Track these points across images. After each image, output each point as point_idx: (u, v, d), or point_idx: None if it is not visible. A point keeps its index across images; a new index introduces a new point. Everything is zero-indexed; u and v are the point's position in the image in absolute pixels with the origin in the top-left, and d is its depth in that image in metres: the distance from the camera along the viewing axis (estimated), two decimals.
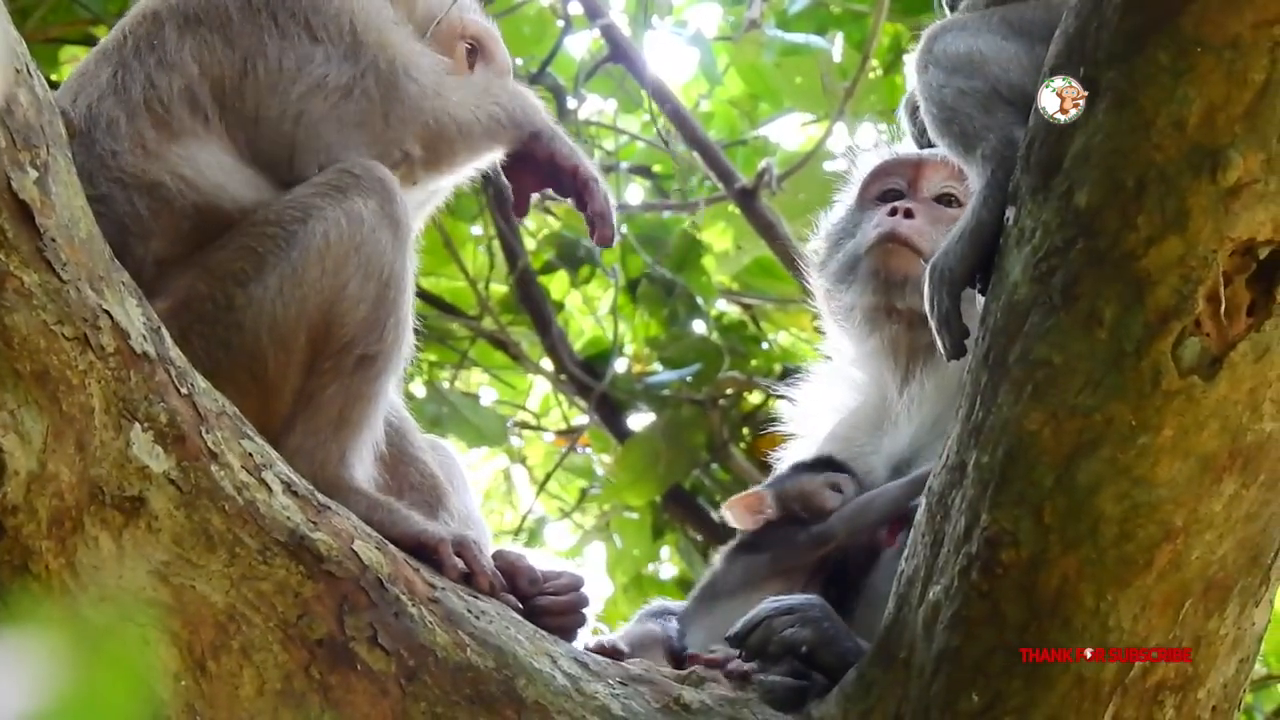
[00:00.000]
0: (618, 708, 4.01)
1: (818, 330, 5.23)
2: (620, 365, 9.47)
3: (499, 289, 9.56)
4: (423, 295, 4.46)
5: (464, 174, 4.60)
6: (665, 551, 9.79)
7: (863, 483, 4.71)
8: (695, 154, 8.75)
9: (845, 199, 5.12)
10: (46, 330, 3.61)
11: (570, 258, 9.17)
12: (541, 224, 9.43)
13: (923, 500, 4.06)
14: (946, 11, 4.47)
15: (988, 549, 3.85)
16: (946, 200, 4.90)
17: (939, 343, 4.13)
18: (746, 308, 9.73)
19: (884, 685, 4.01)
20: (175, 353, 3.84)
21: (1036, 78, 3.93)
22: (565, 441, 10.04)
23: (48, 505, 3.62)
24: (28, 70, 3.67)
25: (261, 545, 3.80)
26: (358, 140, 4.33)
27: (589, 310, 9.86)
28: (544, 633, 4.09)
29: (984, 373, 3.90)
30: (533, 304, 9.37)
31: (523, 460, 10.36)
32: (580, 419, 9.92)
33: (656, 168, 9.79)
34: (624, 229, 9.15)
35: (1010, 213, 3.94)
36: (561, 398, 10.00)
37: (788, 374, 5.42)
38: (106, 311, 3.70)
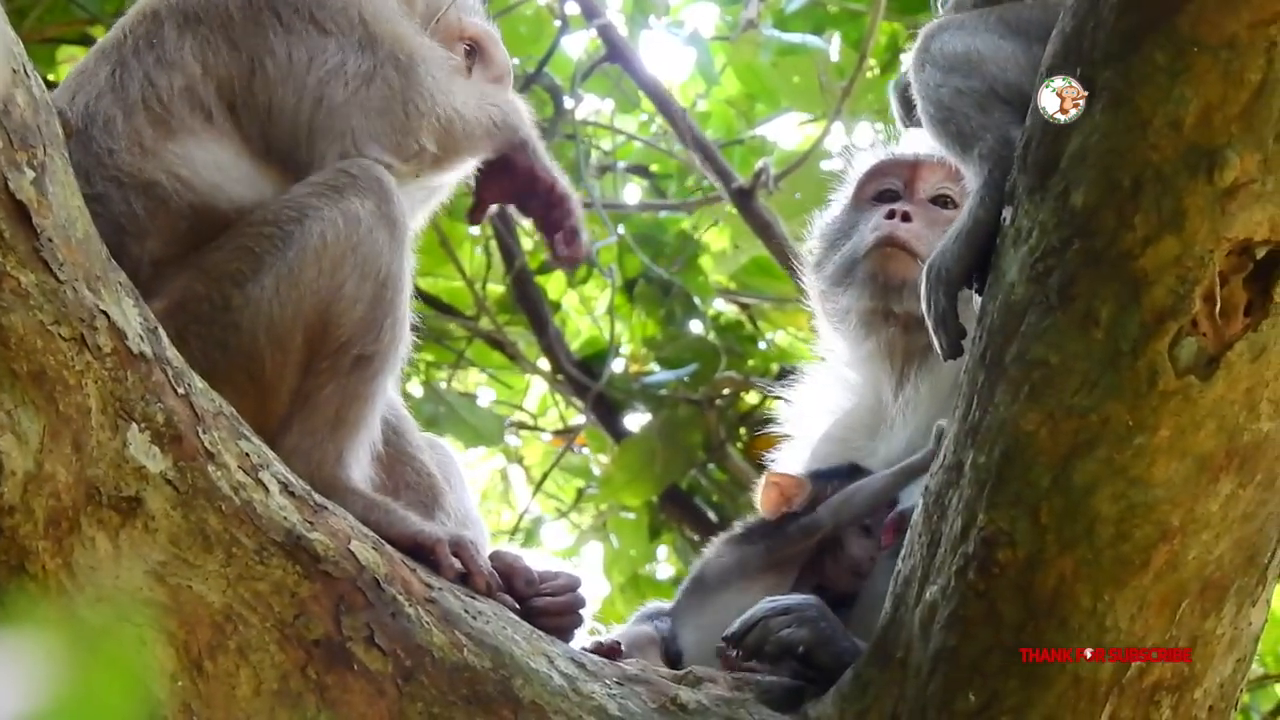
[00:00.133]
0: (614, 708, 4.01)
1: (814, 330, 5.22)
2: (617, 365, 9.47)
3: (496, 289, 9.57)
4: (420, 295, 4.45)
5: (459, 173, 4.59)
6: (662, 551, 9.80)
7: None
8: (692, 154, 8.75)
9: (840, 199, 5.12)
10: (43, 330, 3.61)
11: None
12: None
13: (920, 500, 4.06)
14: (939, 10, 4.47)
15: (984, 549, 3.85)
16: (943, 201, 4.90)
17: (936, 343, 4.13)
18: (744, 307, 9.73)
19: (881, 685, 4.01)
20: (172, 353, 3.84)
21: (1034, 77, 3.93)
22: (562, 441, 10.05)
23: (44, 505, 3.62)
24: (25, 70, 3.67)
25: (258, 545, 3.80)
26: (380, 127, 4.32)
27: (586, 310, 9.86)
28: (541, 633, 4.09)
29: (981, 373, 3.90)
30: (530, 304, 9.37)
31: (520, 460, 10.36)
32: (577, 419, 9.92)
33: (654, 167, 9.79)
34: (621, 229, 9.15)
35: (1007, 213, 3.94)
36: (558, 398, 10.00)
37: (785, 374, 5.41)
38: (103, 311, 3.70)
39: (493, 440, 9.66)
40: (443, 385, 9.54)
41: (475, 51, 4.81)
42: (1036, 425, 3.80)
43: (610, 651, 4.29)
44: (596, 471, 9.98)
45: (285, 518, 3.84)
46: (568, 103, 9.09)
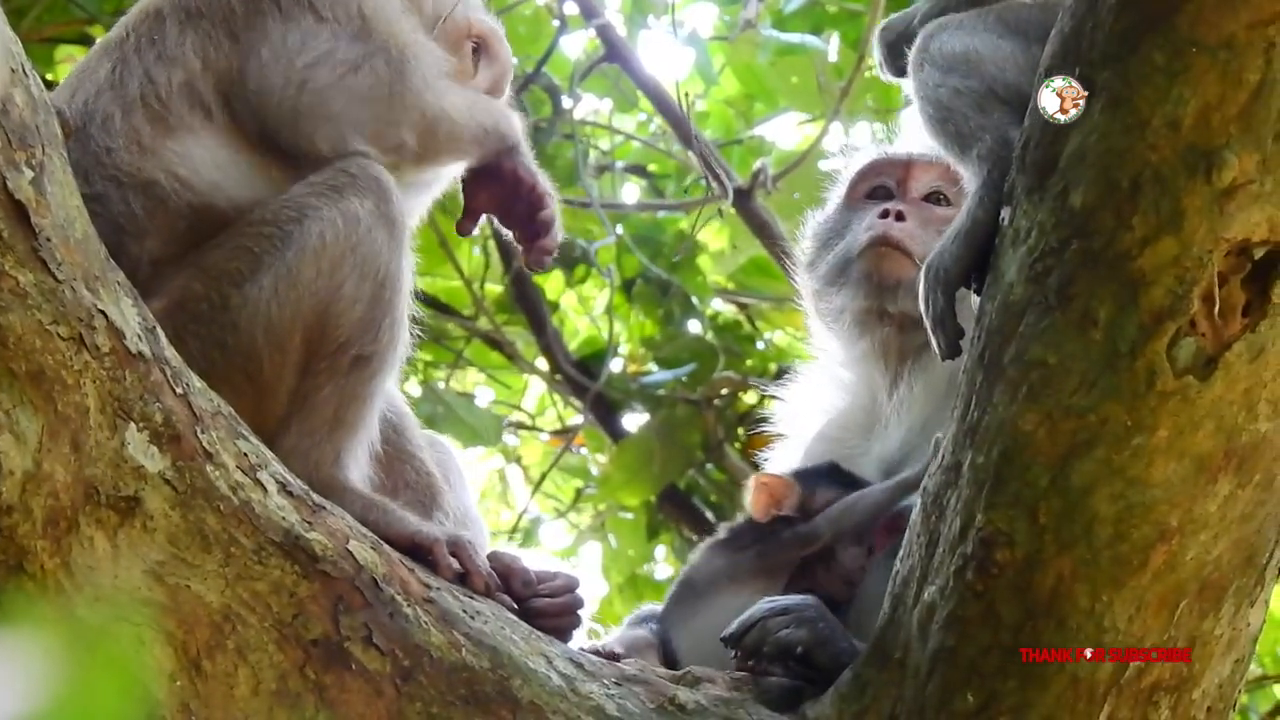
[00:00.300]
0: (613, 708, 4.01)
1: (809, 329, 5.22)
2: (615, 365, 9.47)
3: (494, 289, 9.57)
4: (418, 295, 4.45)
5: (443, 175, 4.59)
6: (660, 551, 9.79)
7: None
8: (693, 154, 8.75)
9: (834, 198, 5.12)
10: (42, 330, 3.61)
11: (566, 258, 9.17)
12: None
13: (918, 500, 4.06)
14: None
15: (983, 549, 3.85)
16: (936, 199, 4.90)
17: (934, 343, 4.13)
18: (742, 307, 9.73)
19: (879, 685, 4.01)
20: (170, 352, 3.84)
21: (1032, 77, 3.93)
22: (560, 441, 10.05)
23: (43, 505, 3.61)
24: (24, 70, 3.67)
25: (257, 545, 3.80)
26: (363, 115, 4.32)
27: (584, 310, 9.86)
28: (539, 633, 4.09)
29: (979, 373, 3.91)
30: (528, 304, 9.37)
31: (518, 460, 10.36)
32: (575, 419, 9.91)
33: (652, 167, 9.79)
34: (619, 229, 9.16)
35: (1005, 213, 3.94)
36: (557, 397, 10.00)
37: (783, 373, 5.41)
38: (102, 311, 3.69)
39: (491, 440, 9.66)
40: (441, 385, 9.54)
41: (481, 48, 4.81)
42: (1035, 425, 3.80)
43: (608, 655, 4.28)
44: (595, 471, 9.98)
45: (283, 518, 3.84)
46: (566, 102, 9.09)
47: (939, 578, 3.92)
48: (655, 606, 4.81)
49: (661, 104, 8.70)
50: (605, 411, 9.46)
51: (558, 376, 9.54)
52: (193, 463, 3.76)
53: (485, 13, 4.88)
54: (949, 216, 4.57)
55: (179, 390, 3.79)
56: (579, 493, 10.05)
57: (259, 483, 3.84)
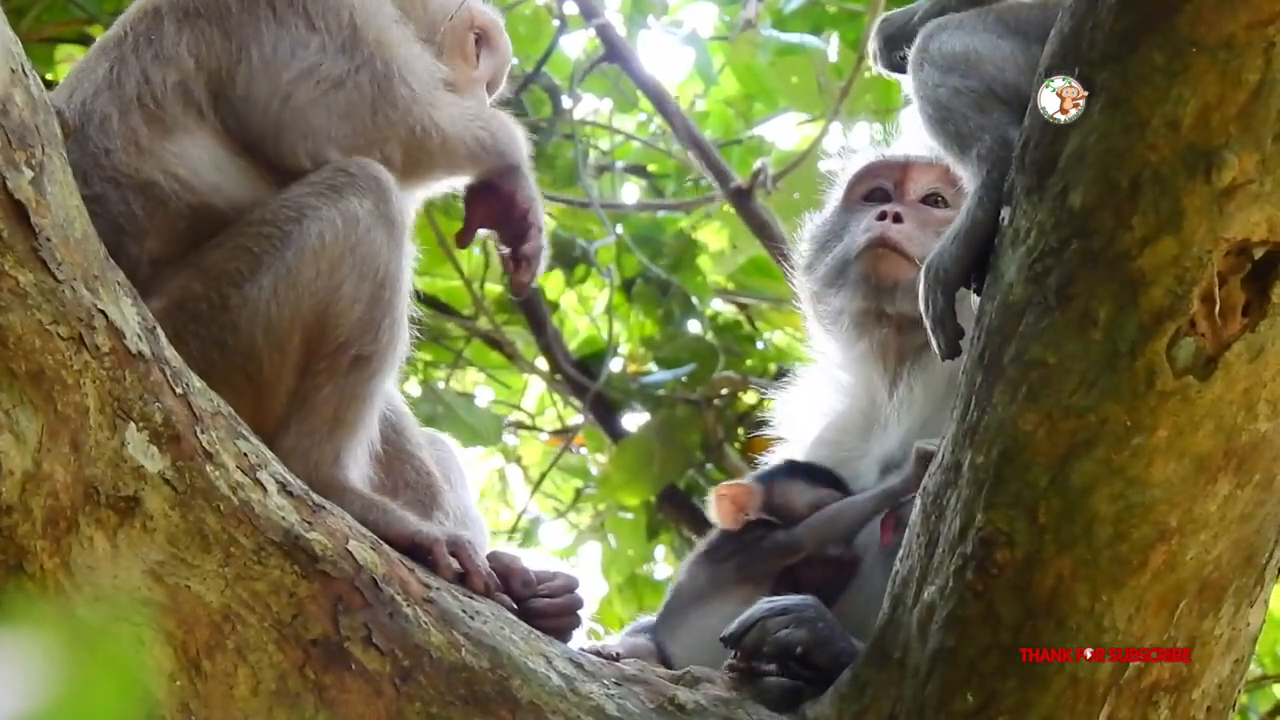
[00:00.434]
0: (612, 708, 4.01)
1: (807, 331, 5.22)
2: (615, 365, 9.47)
3: (494, 288, 9.56)
4: (418, 295, 4.44)
5: (437, 188, 4.59)
6: (660, 551, 9.79)
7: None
8: (690, 153, 8.75)
9: (831, 200, 5.12)
10: (42, 330, 3.61)
11: (566, 257, 9.17)
12: None
13: (918, 500, 4.06)
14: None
15: (983, 549, 3.85)
16: (933, 201, 4.90)
17: (934, 344, 4.14)
18: (742, 307, 9.73)
19: (879, 685, 4.01)
20: (170, 352, 3.84)
21: (1032, 77, 3.93)
22: (560, 441, 10.04)
23: (43, 505, 3.61)
24: (23, 70, 3.67)
25: (256, 545, 3.80)
26: (342, 132, 4.31)
27: (584, 310, 9.86)
28: (538, 633, 4.09)
29: (979, 373, 3.91)
30: (528, 304, 9.37)
31: (518, 460, 10.36)
32: (575, 419, 9.92)
33: (652, 167, 9.79)
34: (619, 229, 9.16)
35: (1005, 213, 3.94)
36: (556, 397, 10.00)
37: (783, 374, 5.41)
38: (101, 311, 3.69)
39: (491, 440, 9.66)
40: (441, 385, 9.54)
41: (482, 40, 4.81)
42: (1034, 425, 3.81)
43: (608, 657, 4.28)
44: (594, 471, 9.98)
45: (283, 518, 3.84)
46: (566, 102, 9.09)
47: (939, 578, 3.92)
48: (652, 619, 4.81)
49: (661, 104, 8.70)
50: (605, 411, 9.46)
51: (557, 376, 9.54)
52: (192, 463, 3.76)
53: (484, 3, 4.87)
54: (947, 218, 4.57)
55: (179, 390, 3.79)
56: (579, 493, 10.05)
57: (259, 483, 3.84)
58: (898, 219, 4.82)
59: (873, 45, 4.55)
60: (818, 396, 5.01)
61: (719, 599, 4.57)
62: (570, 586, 4.27)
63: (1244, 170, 3.66)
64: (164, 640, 3.71)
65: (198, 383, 3.87)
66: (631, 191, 9.86)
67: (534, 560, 4.29)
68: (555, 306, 9.64)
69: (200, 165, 4.27)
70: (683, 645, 4.55)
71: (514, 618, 4.08)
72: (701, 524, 9.14)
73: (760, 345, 9.54)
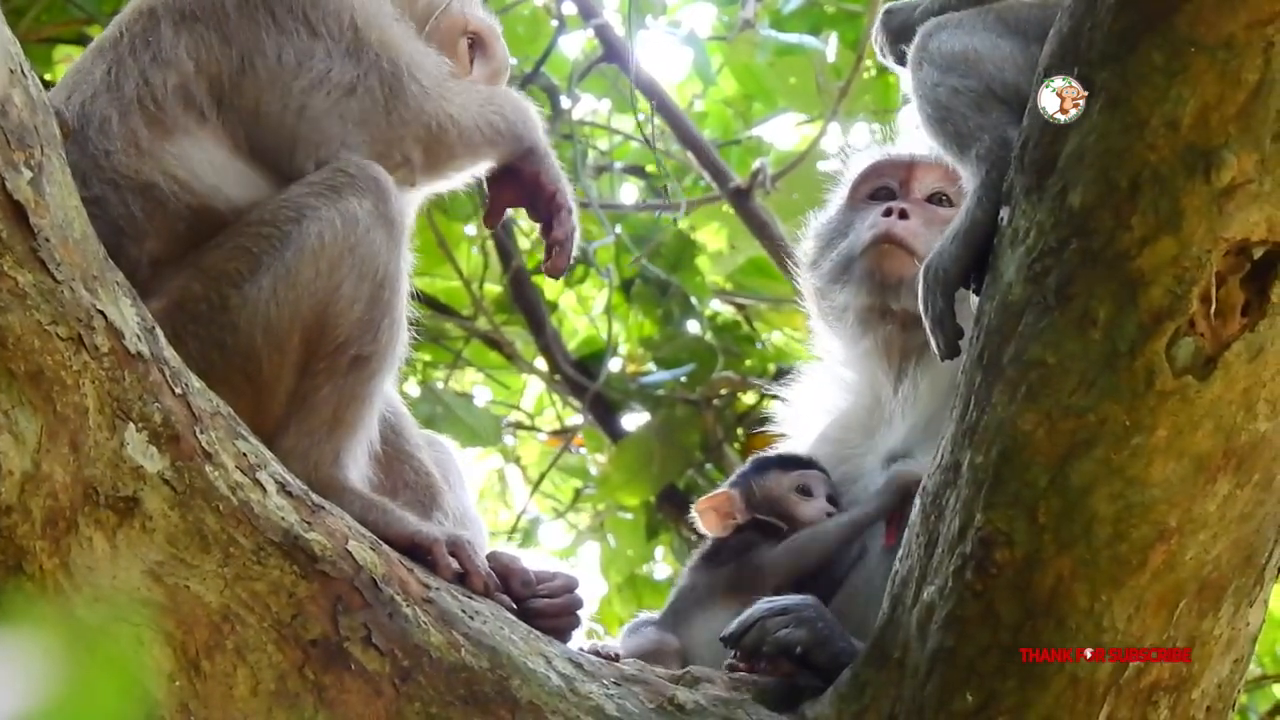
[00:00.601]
0: (612, 708, 4.01)
1: (810, 330, 5.22)
2: (614, 365, 9.47)
3: (493, 289, 9.56)
4: (417, 295, 4.44)
5: (460, 180, 4.58)
6: (659, 552, 9.79)
7: (833, 482, 4.71)
8: (689, 154, 8.75)
9: (836, 198, 5.12)
10: (41, 330, 3.61)
11: None
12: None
13: (917, 500, 4.06)
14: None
15: (982, 549, 3.85)
16: (938, 200, 4.90)
17: (933, 344, 4.14)
18: (741, 308, 9.73)
19: (878, 685, 4.01)
20: (169, 353, 3.84)
21: (1031, 77, 3.93)
22: (559, 441, 10.04)
23: (42, 505, 3.61)
24: (22, 70, 3.67)
25: (256, 545, 3.79)
26: (360, 138, 4.31)
27: (583, 310, 9.86)
28: (538, 633, 4.09)
29: (978, 373, 3.91)
30: (527, 304, 9.37)
31: (517, 460, 10.36)
32: (574, 419, 9.91)
33: (650, 168, 9.78)
34: (618, 229, 9.16)
35: (1004, 213, 3.94)
36: (556, 398, 9.99)
37: (782, 374, 5.41)
38: (101, 311, 3.69)
39: (490, 440, 9.66)
40: (440, 385, 9.54)
41: (476, 45, 4.80)
42: (1034, 425, 3.81)
43: (608, 657, 4.28)
44: (594, 471, 9.98)
45: (283, 518, 3.84)
46: (565, 102, 9.09)
47: (938, 577, 3.92)
48: (650, 614, 4.82)
49: (660, 104, 8.69)
50: (604, 411, 9.46)
51: (556, 376, 9.54)
52: (192, 463, 3.76)
53: (481, 9, 4.86)
54: (951, 217, 4.57)
55: (178, 390, 3.79)
56: (578, 493, 10.04)
57: (258, 483, 3.84)
58: (903, 215, 4.82)
59: (879, 41, 4.55)
60: (821, 394, 5.01)
61: (721, 604, 4.59)
62: (570, 586, 4.27)
63: (1243, 170, 3.66)
64: (163, 640, 3.71)
65: (197, 383, 3.87)
66: (630, 192, 9.86)
67: (533, 560, 4.29)
68: (554, 307, 9.64)
69: (200, 167, 4.27)
70: (688, 652, 4.57)
71: (513, 618, 4.08)
72: None
73: (759, 345, 9.54)
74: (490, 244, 9.31)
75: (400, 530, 4.11)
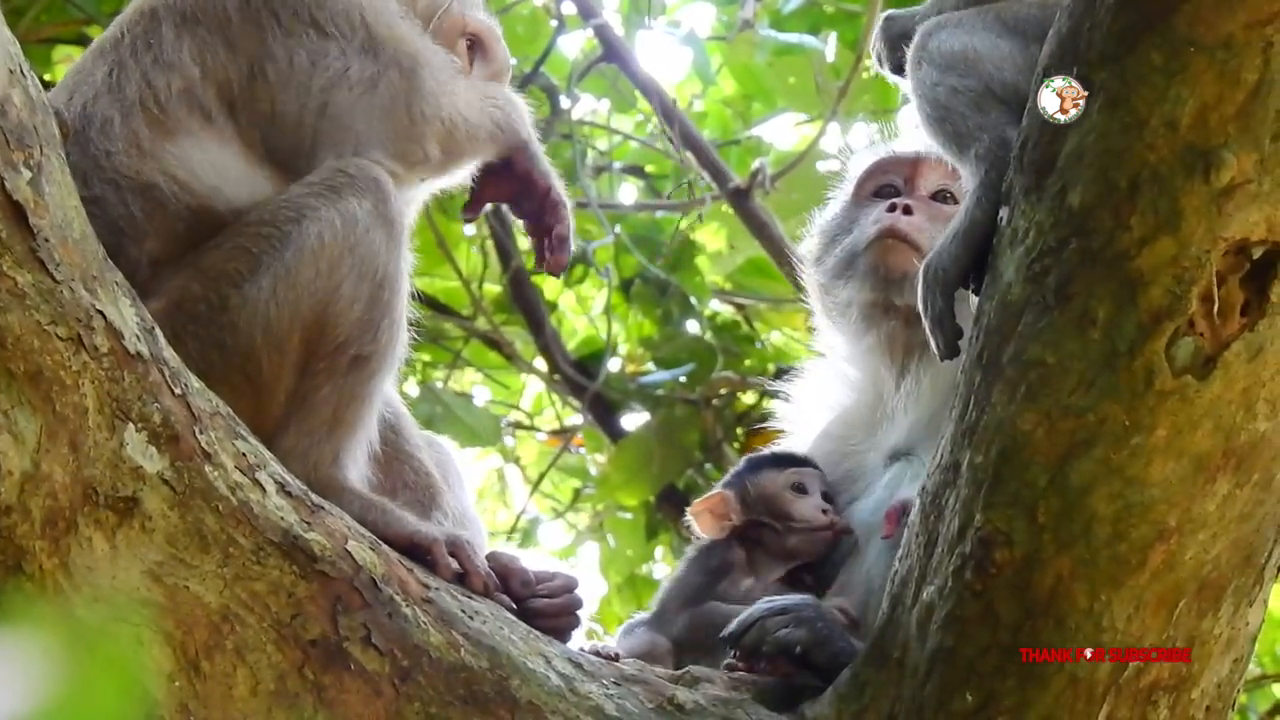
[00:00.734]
0: (612, 708, 4.01)
1: (810, 329, 5.22)
2: (614, 365, 9.47)
3: (492, 289, 9.56)
4: (416, 295, 4.44)
5: (462, 176, 4.59)
6: (659, 552, 9.79)
7: (828, 479, 4.72)
8: (689, 154, 8.75)
9: (840, 195, 5.12)
10: (40, 330, 3.61)
11: None
12: None
13: (917, 500, 4.06)
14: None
15: (981, 549, 3.85)
16: (943, 197, 4.90)
17: (932, 343, 4.14)
18: (740, 308, 9.73)
19: (878, 685, 4.01)
20: (169, 353, 3.84)
21: (1030, 77, 3.93)
22: (559, 441, 10.04)
23: (41, 505, 3.61)
24: (22, 70, 3.67)
25: (255, 545, 3.79)
26: (384, 133, 4.32)
27: (582, 310, 9.86)
28: (538, 633, 4.09)
29: (978, 373, 3.91)
30: (526, 304, 9.37)
31: (516, 460, 10.36)
32: (574, 419, 9.91)
33: (650, 168, 9.79)
34: (617, 228, 9.16)
35: (1004, 213, 3.94)
36: (555, 397, 9.99)
37: (781, 374, 5.41)
38: (100, 312, 3.69)
39: (489, 440, 9.66)
40: (439, 385, 9.54)
41: (476, 46, 4.80)
42: (1033, 425, 3.81)
43: (607, 657, 4.28)
44: (593, 471, 9.98)
45: (282, 518, 3.84)
46: (564, 102, 9.09)
47: (937, 577, 3.92)
48: (643, 615, 4.82)
49: (659, 104, 8.70)
50: (604, 411, 9.46)
51: (556, 376, 9.54)
52: (191, 463, 3.76)
53: (482, 11, 4.86)
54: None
55: (177, 390, 3.79)
56: (577, 493, 10.05)
57: (257, 483, 3.84)
58: (908, 211, 4.83)
59: (877, 48, 4.55)
60: (824, 391, 5.02)
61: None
62: (569, 586, 4.28)
63: (1242, 170, 3.66)
64: (163, 641, 3.71)
65: (196, 383, 3.87)
66: (629, 192, 9.86)
67: (533, 560, 4.29)
68: (553, 306, 9.64)
69: (200, 168, 4.27)
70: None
71: (513, 618, 4.09)
72: None
73: (759, 345, 9.54)
74: (490, 244, 9.31)
75: (399, 530, 4.11)
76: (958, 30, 4.20)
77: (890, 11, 4.55)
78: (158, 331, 3.84)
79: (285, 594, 3.81)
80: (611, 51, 8.77)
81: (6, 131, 3.60)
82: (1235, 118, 3.66)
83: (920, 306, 4.14)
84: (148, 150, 4.25)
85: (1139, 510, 3.77)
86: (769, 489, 4.70)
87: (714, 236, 9.65)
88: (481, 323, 9.58)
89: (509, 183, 4.58)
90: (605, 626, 9.00)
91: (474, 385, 10.17)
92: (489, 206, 4.72)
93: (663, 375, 9.28)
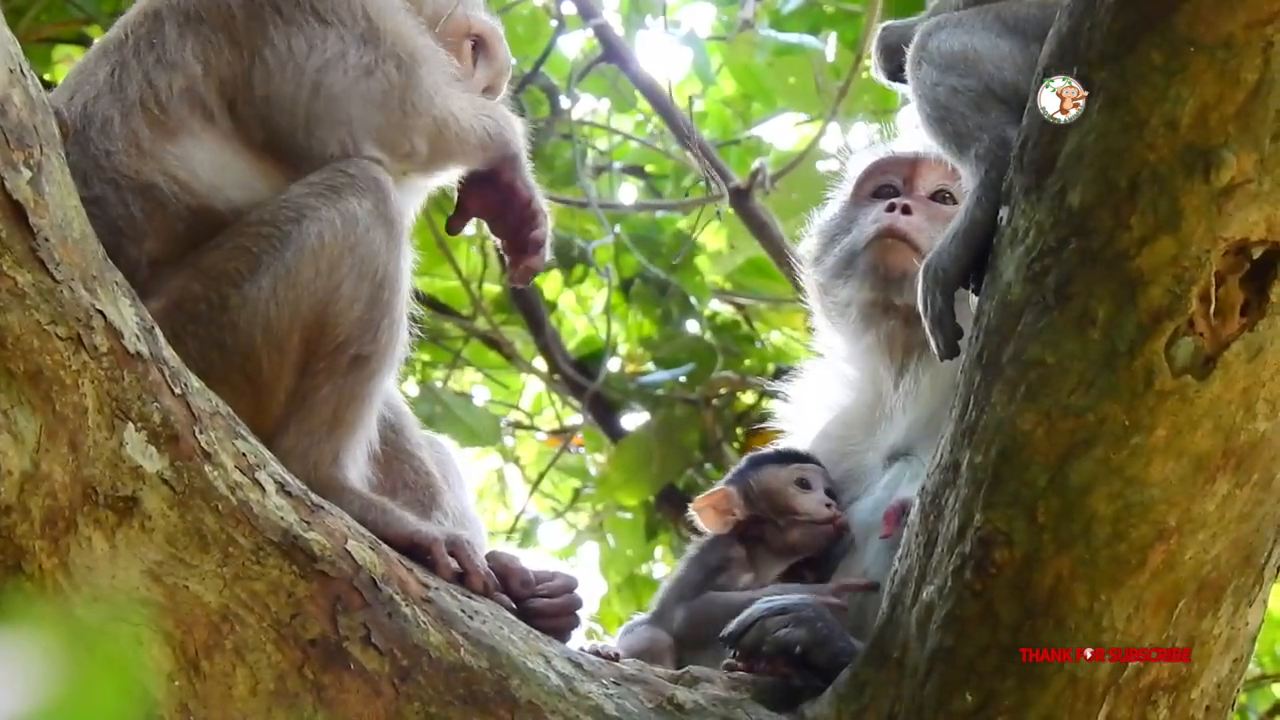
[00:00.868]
0: (611, 708, 4.01)
1: (809, 329, 5.23)
2: (613, 365, 9.47)
3: (492, 289, 9.57)
4: (416, 295, 4.44)
5: (446, 180, 4.59)
6: (659, 551, 9.79)
7: (830, 476, 4.73)
8: (688, 154, 8.75)
9: (840, 195, 5.12)
10: (40, 330, 3.61)
11: (564, 257, 9.17)
12: None
13: (916, 500, 4.06)
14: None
15: (981, 549, 3.85)
16: (942, 197, 4.91)
17: (932, 343, 4.14)
18: (740, 307, 9.73)
19: (877, 685, 4.01)
20: (169, 352, 3.84)
21: (1030, 76, 3.93)
22: (558, 441, 10.05)
23: (41, 505, 3.61)
24: (22, 70, 3.67)
25: (255, 545, 3.79)
26: (377, 121, 4.32)
27: (582, 310, 9.86)
28: (537, 633, 4.09)
29: (977, 373, 3.91)
30: (526, 304, 9.37)
31: (516, 460, 10.36)
32: (574, 419, 9.92)
33: (650, 168, 9.79)
34: (617, 228, 9.16)
35: (1003, 212, 3.94)
36: (555, 397, 10.00)
37: (781, 374, 5.42)
38: (100, 311, 3.69)
39: (489, 440, 9.66)
40: (439, 385, 9.54)
41: (479, 47, 4.81)
42: (1033, 425, 3.81)
43: (607, 656, 4.29)
44: (593, 471, 9.98)
45: (282, 518, 3.84)
46: (564, 102, 9.10)
47: (937, 577, 3.92)
48: (644, 615, 4.83)
49: (659, 104, 8.70)
50: (603, 411, 9.46)
51: (556, 376, 9.54)
52: (191, 463, 3.76)
53: (484, 11, 4.87)
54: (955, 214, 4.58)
55: (177, 390, 3.79)
56: (577, 493, 10.05)
57: (257, 483, 3.84)
58: (907, 210, 4.83)
59: (875, 55, 4.56)
60: (823, 390, 5.02)
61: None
62: (569, 586, 4.28)
63: (1242, 170, 3.66)
64: (162, 640, 3.71)
65: (196, 383, 3.87)
66: (629, 192, 9.87)
67: (533, 560, 4.29)
68: (553, 306, 9.65)
69: (201, 168, 4.27)
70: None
71: (513, 617, 4.09)
72: None
73: (759, 345, 9.54)
74: (489, 244, 9.31)
75: (399, 530, 4.11)
76: (958, 30, 4.20)
77: (888, 22, 4.56)
78: (157, 331, 3.84)
79: (285, 594, 3.81)
80: (611, 51, 8.77)
81: (6, 131, 3.60)
82: (1235, 117, 3.66)
83: (920, 306, 4.14)
84: (148, 150, 4.25)
85: (1139, 510, 3.77)
86: (772, 484, 4.71)
87: (714, 236, 9.65)
88: (481, 322, 9.58)
89: (494, 194, 4.57)
90: (605, 626, 9.01)
91: (474, 385, 10.17)
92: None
93: (662, 375, 9.28)
